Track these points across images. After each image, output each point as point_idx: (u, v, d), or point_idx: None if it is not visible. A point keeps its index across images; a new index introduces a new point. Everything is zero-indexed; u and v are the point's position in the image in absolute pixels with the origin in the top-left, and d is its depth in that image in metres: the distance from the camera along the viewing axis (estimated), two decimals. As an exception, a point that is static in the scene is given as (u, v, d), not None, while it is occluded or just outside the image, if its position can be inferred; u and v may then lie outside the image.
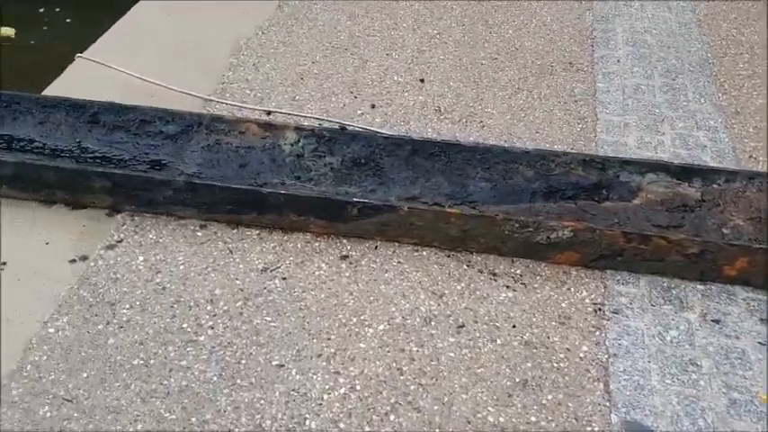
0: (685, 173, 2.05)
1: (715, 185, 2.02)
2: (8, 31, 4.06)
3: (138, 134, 2.18)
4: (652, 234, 1.82)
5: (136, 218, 2.03)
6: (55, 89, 2.62)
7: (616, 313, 1.80)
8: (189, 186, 1.94)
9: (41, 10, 4.31)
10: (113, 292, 1.80)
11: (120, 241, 1.95)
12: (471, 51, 3.03)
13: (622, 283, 1.89)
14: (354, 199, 1.91)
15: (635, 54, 3.08)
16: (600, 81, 2.86)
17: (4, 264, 1.86)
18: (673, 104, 2.73)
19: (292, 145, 2.17)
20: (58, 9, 4.30)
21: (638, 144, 2.49)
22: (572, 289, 1.87)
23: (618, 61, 3.01)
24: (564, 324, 1.77)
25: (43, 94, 2.57)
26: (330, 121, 2.53)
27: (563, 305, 1.82)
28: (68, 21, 4.24)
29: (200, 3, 3.31)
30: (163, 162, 2.09)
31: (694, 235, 1.86)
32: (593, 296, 1.84)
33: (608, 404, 1.58)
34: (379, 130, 2.34)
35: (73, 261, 1.88)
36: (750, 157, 2.41)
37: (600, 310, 1.81)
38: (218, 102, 2.60)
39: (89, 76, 2.70)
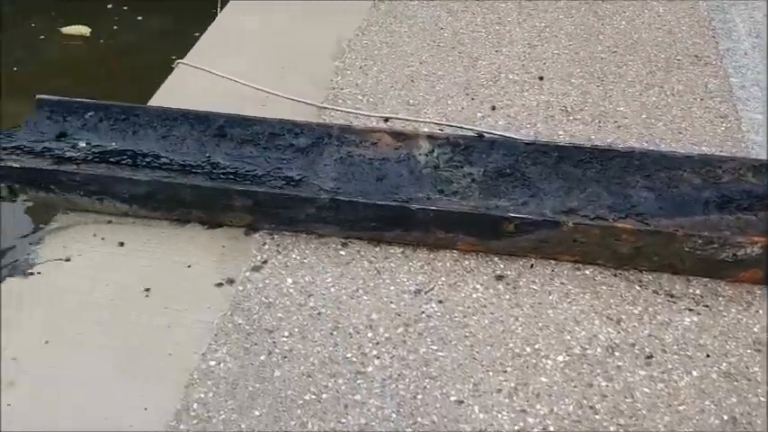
0: None
1: None
2: (82, 29, 3.95)
3: (267, 148, 2.07)
4: None
5: (275, 236, 1.92)
6: (162, 98, 2.54)
7: (817, 339, 1.63)
8: (333, 204, 1.82)
9: (109, 6, 4.25)
10: (269, 318, 1.69)
11: (265, 262, 1.85)
12: (587, 45, 2.86)
13: (815, 304, 1.72)
14: (511, 214, 1.77)
15: (761, 46, 2.86)
16: (732, 76, 2.66)
17: (148, 290, 1.77)
18: (817, 100, 2.52)
19: (427, 155, 2.04)
20: (125, 7, 4.24)
21: (791, 144, 2.30)
22: (760, 311, 1.70)
23: (745, 54, 2.80)
24: (760, 351, 1.60)
25: (152, 104, 2.49)
26: (450, 126, 2.39)
27: (755, 330, 1.66)
28: (139, 18, 4.17)
29: (288, 3, 3.19)
30: (297, 177, 1.98)
31: None
32: (786, 319, 1.68)
33: (836, 448, 1.42)
34: (516, 137, 2.20)
35: (220, 285, 1.78)
36: None
37: (798, 335, 1.64)
38: (332, 109, 2.48)
39: (192, 84, 2.61)
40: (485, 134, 2.08)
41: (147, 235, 1.93)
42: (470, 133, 2.31)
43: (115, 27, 4.06)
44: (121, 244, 1.90)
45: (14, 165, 1.90)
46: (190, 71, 2.68)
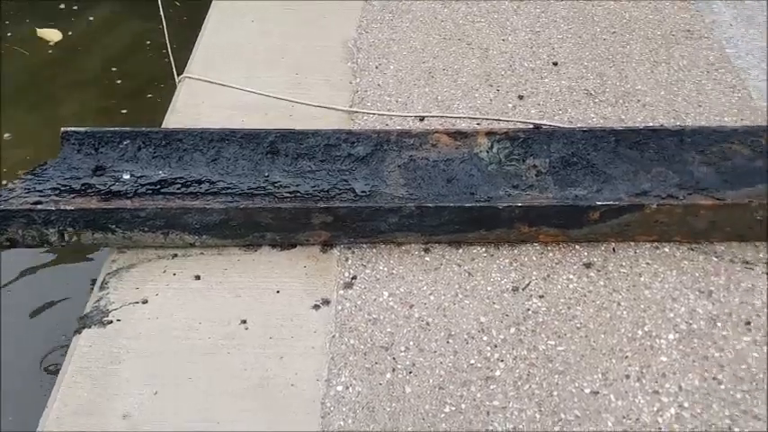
0: None
1: None
2: (52, 34, 3.64)
3: (325, 160, 2.02)
4: None
5: (355, 250, 1.88)
6: (178, 118, 2.41)
7: None
8: (419, 211, 1.80)
9: (62, 7, 3.98)
10: (380, 334, 1.66)
11: (354, 278, 1.81)
12: (585, 27, 2.93)
13: None
14: (597, 203, 1.81)
15: (741, 16, 3.04)
16: (727, 47, 2.81)
17: (245, 322, 1.69)
18: (806, 63, 2.71)
19: (488, 152, 2.05)
20: (75, 7, 3.99)
21: (799, 108, 2.47)
22: (827, 267, 1.84)
23: (731, 25, 2.96)
24: (841, 304, 1.74)
25: (168, 125, 2.36)
26: (487, 119, 2.41)
27: (829, 285, 1.79)
28: (91, 18, 3.95)
29: (273, 6, 3.09)
30: (367, 188, 1.94)
31: None
32: None
33: None
34: (561, 125, 2.24)
35: (317, 307, 1.73)
36: None
37: None
38: (363, 113, 2.44)
39: (206, 100, 2.49)
40: (540, 125, 2.11)
41: (221, 265, 1.84)
42: (511, 126, 2.36)
43: (70, 33, 3.83)
44: (197, 277, 1.80)
45: (68, 207, 1.76)
46: (197, 86, 2.56)
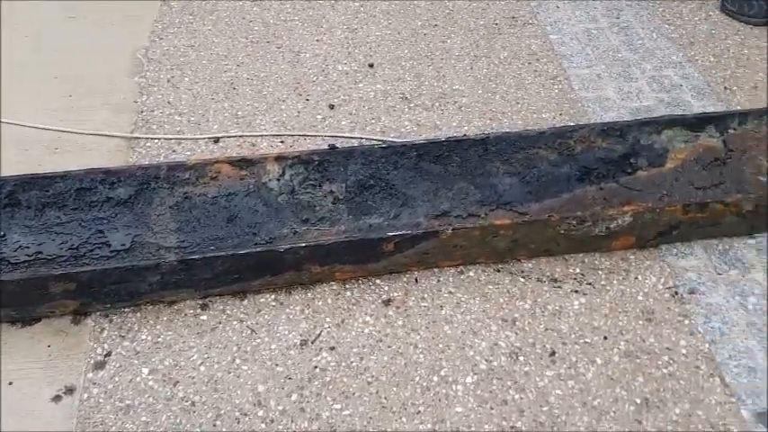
0: (699, 122, 1.95)
1: (731, 131, 1.95)
2: None
3: (77, 208, 1.69)
4: (710, 200, 1.71)
5: (113, 318, 1.59)
6: None
7: (693, 293, 1.68)
8: (183, 265, 1.53)
9: None
10: (131, 426, 1.38)
11: (109, 354, 1.51)
12: (406, 21, 2.74)
13: (681, 257, 1.77)
14: (389, 234, 1.61)
15: (567, -4, 2.95)
16: (551, 33, 2.69)
17: (-40, 431, 1.37)
18: (630, 46, 2.63)
19: (279, 179, 1.79)
20: None
21: (620, 96, 2.37)
22: (639, 277, 1.72)
23: (557, 8, 2.85)
24: (650, 320, 1.62)
25: None
26: (292, 136, 2.16)
27: (639, 298, 1.67)
28: None
29: (56, 12, 2.68)
30: (127, 239, 1.64)
31: (738, 191, 1.78)
32: (662, 280, 1.71)
33: (733, 400, 1.47)
34: (369, 137, 2.02)
35: (57, 398, 1.42)
36: (725, 89, 2.38)
37: (676, 293, 1.68)
38: (147, 138, 2.12)
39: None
40: (336, 145, 1.88)
41: (-60, 356, 1.49)
42: (319, 141, 2.12)
43: None
44: None
45: None
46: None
